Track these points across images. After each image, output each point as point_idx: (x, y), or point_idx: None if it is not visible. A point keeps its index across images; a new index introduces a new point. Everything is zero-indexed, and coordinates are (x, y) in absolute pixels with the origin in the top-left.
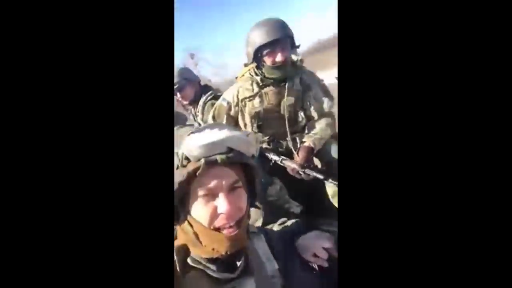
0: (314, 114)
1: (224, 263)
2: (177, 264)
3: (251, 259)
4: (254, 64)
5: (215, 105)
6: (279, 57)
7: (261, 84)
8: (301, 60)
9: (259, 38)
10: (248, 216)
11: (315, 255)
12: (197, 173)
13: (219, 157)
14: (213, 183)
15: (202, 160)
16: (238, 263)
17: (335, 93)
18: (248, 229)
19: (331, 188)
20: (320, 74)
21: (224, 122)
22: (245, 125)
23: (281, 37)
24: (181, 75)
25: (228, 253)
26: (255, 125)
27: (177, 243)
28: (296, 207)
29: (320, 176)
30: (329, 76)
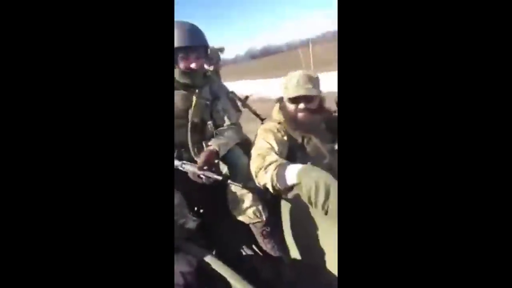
0: (223, 123)
1: None
2: None
3: None
4: None
5: None
6: (193, 65)
7: None
8: (217, 72)
9: (174, 40)
10: None
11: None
12: None
13: None
14: None
15: None
16: None
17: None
18: None
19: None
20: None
21: None
22: None
23: (198, 44)
24: None
25: None
26: None
27: None
28: (192, 222)
29: (219, 178)
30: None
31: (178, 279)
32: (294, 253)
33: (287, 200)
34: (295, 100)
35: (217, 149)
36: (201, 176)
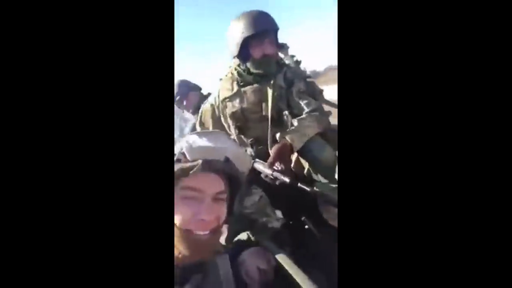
0: (300, 111)
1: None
2: None
3: (209, 276)
4: (237, 62)
5: (201, 110)
6: (268, 49)
7: (241, 82)
8: (296, 60)
9: (246, 29)
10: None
11: (247, 274)
12: (191, 172)
13: (216, 163)
14: (202, 186)
15: (200, 161)
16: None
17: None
18: (216, 244)
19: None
20: None
21: (211, 126)
22: (228, 126)
23: (269, 28)
24: (181, 85)
25: (191, 258)
26: (233, 127)
27: None
28: (276, 221)
29: (286, 180)
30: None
31: (253, 274)
32: None
33: None
34: None
35: (290, 142)
36: (271, 176)
